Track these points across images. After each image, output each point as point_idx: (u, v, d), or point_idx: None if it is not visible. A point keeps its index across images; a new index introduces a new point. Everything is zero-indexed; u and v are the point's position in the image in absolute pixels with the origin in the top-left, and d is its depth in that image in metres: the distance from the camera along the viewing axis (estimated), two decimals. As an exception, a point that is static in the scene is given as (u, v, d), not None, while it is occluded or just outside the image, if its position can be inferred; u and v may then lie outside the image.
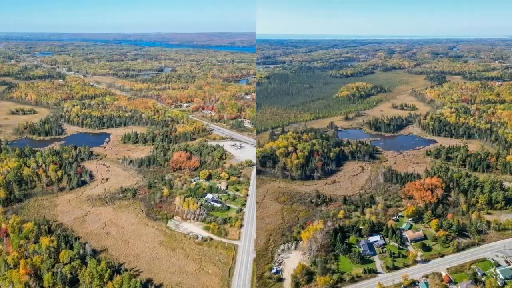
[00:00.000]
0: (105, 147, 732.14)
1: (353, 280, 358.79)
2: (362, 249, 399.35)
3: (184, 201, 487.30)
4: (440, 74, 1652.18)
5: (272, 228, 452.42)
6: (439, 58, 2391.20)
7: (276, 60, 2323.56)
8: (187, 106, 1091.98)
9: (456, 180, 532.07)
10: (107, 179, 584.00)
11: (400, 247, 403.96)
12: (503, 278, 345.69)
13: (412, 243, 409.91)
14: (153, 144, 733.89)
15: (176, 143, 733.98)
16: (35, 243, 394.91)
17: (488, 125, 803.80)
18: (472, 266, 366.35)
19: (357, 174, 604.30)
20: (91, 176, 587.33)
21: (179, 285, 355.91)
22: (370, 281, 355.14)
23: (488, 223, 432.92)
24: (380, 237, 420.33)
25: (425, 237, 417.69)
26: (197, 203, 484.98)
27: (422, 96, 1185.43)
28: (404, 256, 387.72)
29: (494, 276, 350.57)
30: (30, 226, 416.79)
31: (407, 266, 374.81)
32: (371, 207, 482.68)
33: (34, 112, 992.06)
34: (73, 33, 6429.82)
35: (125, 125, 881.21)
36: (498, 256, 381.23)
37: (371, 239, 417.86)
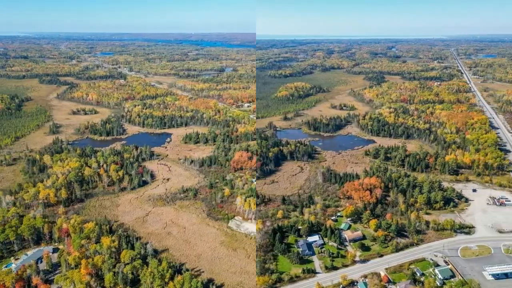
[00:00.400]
0: (166, 147, 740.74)
1: (292, 280, 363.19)
2: (301, 249, 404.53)
3: (245, 201, 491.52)
4: (379, 74, 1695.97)
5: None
6: (378, 58, 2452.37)
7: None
8: (248, 106, 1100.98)
9: (395, 180, 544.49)
10: (168, 179, 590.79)
11: (339, 247, 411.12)
12: (441, 278, 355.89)
13: (351, 243, 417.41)
14: (214, 144, 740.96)
15: (237, 143, 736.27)
16: (96, 243, 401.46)
17: (427, 125, 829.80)
18: (411, 266, 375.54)
19: (296, 174, 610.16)
20: (152, 176, 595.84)
21: (240, 285, 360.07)
22: (309, 281, 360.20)
23: (427, 223, 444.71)
24: (319, 237, 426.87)
25: (364, 237, 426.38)
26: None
27: (361, 96, 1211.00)
28: (343, 256, 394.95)
29: (433, 276, 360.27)
30: (91, 226, 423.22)
31: (346, 266, 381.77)
32: (310, 207, 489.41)
33: (95, 112, 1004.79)
34: (134, 33, 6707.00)
35: (186, 125, 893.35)
36: (436, 256, 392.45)
37: (310, 239, 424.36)
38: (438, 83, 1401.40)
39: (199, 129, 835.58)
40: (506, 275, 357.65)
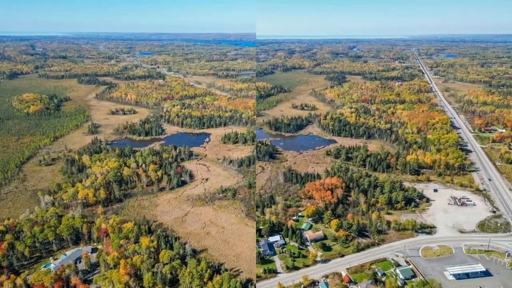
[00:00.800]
0: (205, 147, 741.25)
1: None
2: (262, 249, 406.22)
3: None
4: (340, 74, 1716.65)
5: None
6: (339, 58, 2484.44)
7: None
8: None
9: (356, 180, 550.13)
10: (207, 179, 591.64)
11: (300, 247, 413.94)
12: (403, 278, 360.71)
13: (312, 243, 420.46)
14: (253, 144, 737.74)
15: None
16: (135, 243, 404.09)
17: (388, 125, 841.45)
18: (372, 266, 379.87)
19: (257, 174, 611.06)
20: (191, 176, 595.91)
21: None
22: (270, 281, 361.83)
23: (388, 223, 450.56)
24: (280, 237, 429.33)
25: (325, 237, 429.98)
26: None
27: (322, 96, 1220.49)
28: (304, 256, 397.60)
29: (394, 276, 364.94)
30: (130, 226, 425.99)
31: (307, 266, 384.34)
32: (271, 207, 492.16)
33: (134, 112, 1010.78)
34: (173, 33, 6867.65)
35: (225, 125, 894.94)
36: (398, 256, 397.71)
37: (271, 239, 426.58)
38: (399, 83, 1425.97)
39: (238, 129, 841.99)
40: (467, 275, 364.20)
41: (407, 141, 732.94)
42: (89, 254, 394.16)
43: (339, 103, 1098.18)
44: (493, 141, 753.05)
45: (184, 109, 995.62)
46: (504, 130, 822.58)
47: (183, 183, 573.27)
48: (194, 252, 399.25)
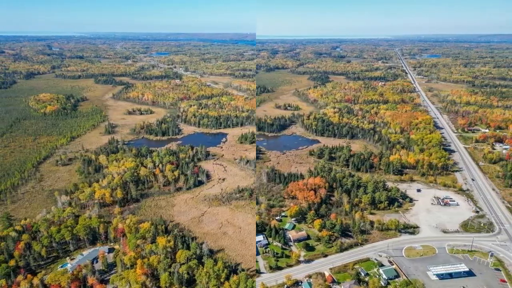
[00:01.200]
0: (222, 147, 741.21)
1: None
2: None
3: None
4: (324, 74, 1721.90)
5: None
6: (322, 58, 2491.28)
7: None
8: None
9: (340, 180, 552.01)
10: (224, 179, 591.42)
11: (284, 247, 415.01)
12: (386, 278, 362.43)
13: (296, 243, 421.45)
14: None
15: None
16: (152, 243, 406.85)
17: (372, 125, 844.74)
18: (355, 266, 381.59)
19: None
20: (208, 176, 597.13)
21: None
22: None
23: (371, 223, 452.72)
24: (263, 237, 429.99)
25: (308, 237, 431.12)
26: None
27: (306, 96, 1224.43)
28: (288, 256, 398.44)
29: (377, 276, 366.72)
30: (147, 226, 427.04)
31: (290, 266, 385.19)
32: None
33: (151, 112, 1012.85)
34: (189, 33, 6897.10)
35: (242, 125, 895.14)
36: (381, 256, 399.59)
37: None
38: (383, 83, 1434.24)
39: (255, 129, 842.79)
40: (450, 275, 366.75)
41: (390, 141, 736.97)
42: (106, 254, 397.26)
43: (322, 103, 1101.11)
44: (476, 141, 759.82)
45: (201, 109, 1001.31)
46: (487, 130, 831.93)
47: (200, 183, 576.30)
48: (211, 252, 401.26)
